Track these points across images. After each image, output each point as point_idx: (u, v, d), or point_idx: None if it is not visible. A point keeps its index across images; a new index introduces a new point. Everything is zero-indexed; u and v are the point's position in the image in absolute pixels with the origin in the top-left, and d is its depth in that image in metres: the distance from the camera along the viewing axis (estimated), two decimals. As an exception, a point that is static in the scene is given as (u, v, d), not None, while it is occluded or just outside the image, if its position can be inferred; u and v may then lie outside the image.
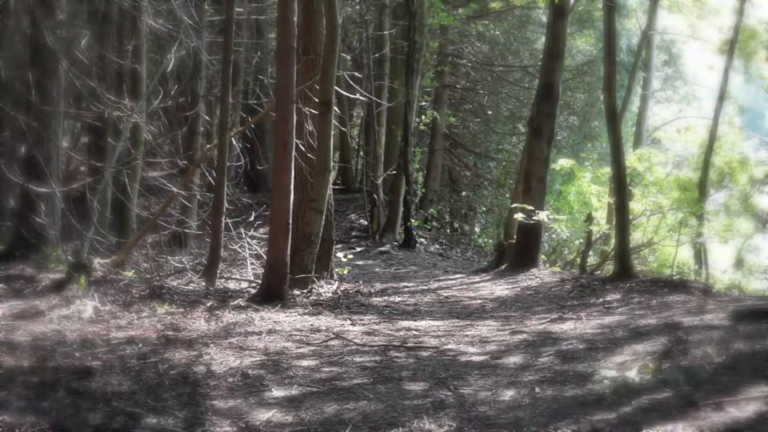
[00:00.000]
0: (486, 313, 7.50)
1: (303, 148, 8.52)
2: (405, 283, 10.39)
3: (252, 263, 9.83)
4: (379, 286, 9.76)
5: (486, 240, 20.75)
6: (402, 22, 16.41)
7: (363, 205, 17.27)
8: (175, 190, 9.49)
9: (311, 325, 6.26)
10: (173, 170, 11.41)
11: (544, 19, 16.45)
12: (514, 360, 4.92)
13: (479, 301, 8.47)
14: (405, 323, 6.61)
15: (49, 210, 7.57)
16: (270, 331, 5.79)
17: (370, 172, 16.91)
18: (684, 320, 5.51)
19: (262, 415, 3.71)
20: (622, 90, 15.72)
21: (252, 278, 8.98)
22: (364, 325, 6.48)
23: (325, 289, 8.56)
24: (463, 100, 21.37)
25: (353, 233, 16.48)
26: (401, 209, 15.59)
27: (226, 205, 8.81)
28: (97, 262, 7.54)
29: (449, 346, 5.45)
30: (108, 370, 4.32)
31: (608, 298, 7.37)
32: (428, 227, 18.13)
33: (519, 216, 10.35)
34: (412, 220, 15.19)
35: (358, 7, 18.80)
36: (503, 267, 10.98)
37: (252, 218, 10.79)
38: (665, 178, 12.83)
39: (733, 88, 18.66)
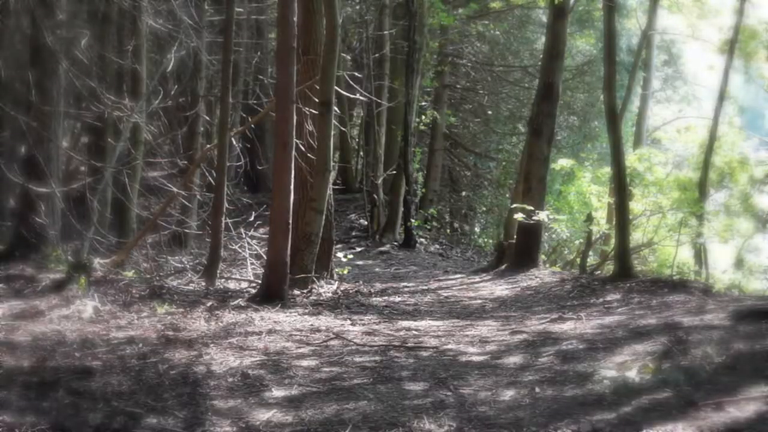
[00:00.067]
0: (486, 313, 7.50)
1: (303, 148, 8.52)
2: (405, 283, 10.39)
3: (252, 263, 9.83)
4: (379, 286, 9.76)
5: (486, 240, 20.75)
6: (402, 22, 16.41)
7: (363, 205, 17.27)
8: (175, 190, 9.49)
9: (311, 325, 6.26)
10: (173, 170, 11.41)
11: (544, 19, 16.46)
12: (514, 360, 4.92)
13: (479, 301, 8.47)
14: (405, 323, 6.61)
15: (49, 210, 7.58)
16: (270, 331, 5.79)
17: (370, 172, 16.91)
18: (684, 320, 5.51)
19: (262, 415, 3.71)
20: (622, 90, 15.72)
21: (252, 278, 8.98)
22: (364, 325, 6.48)
23: (325, 289, 8.56)
24: (463, 100, 21.37)
25: (353, 233, 16.48)
26: (401, 209, 15.59)
27: (226, 205, 8.81)
28: (97, 262, 7.54)
29: (449, 346, 5.45)
30: (108, 370, 4.32)
31: (608, 298, 7.37)
32: (428, 227, 18.13)
33: (519, 216, 10.35)
34: (412, 220, 15.19)
35: (358, 7, 18.80)
36: (503, 267, 10.98)
37: (252, 218, 10.79)
38: (665, 178, 12.83)
39: (733, 88, 18.66)
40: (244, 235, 10.10)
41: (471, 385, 4.26)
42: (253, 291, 7.68)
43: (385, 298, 8.64)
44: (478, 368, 4.70)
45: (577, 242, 13.78)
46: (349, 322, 6.61)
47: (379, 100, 15.05)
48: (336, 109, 9.20)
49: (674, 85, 24.17)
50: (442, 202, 20.81)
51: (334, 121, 8.84)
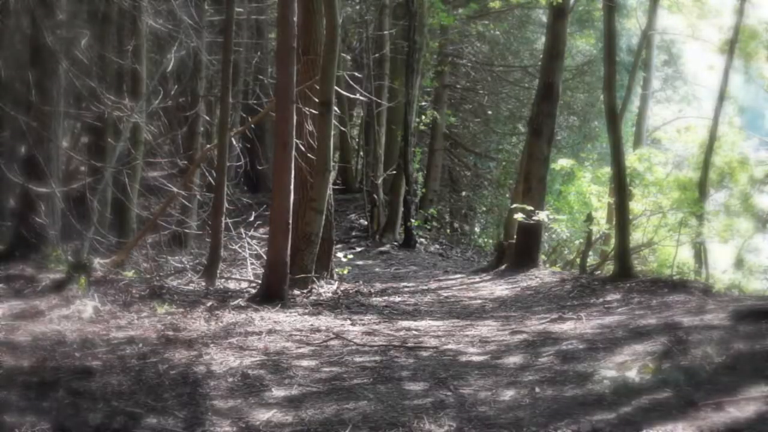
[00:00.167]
0: (486, 313, 7.50)
1: (303, 148, 8.52)
2: (405, 283, 10.39)
3: (252, 263, 9.83)
4: (379, 286, 9.76)
5: (486, 240, 20.75)
6: (402, 22, 16.41)
7: (363, 205, 17.27)
8: (175, 190, 9.49)
9: (311, 325, 6.26)
10: (173, 170, 11.41)
11: (544, 19, 16.44)
12: (514, 360, 4.92)
13: (479, 301, 8.47)
14: (405, 323, 6.61)
15: (49, 210, 7.58)
16: (270, 331, 5.79)
17: (370, 172, 16.91)
18: (684, 320, 5.51)
19: (262, 415, 3.71)
20: (622, 90, 15.71)
21: (252, 278, 8.98)
22: (364, 325, 6.48)
23: (325, 289, 8.56)
24: (463, 100, 21.37)
25: (353, 233, 16.48)
26: (401, 209, 15.59)
27: (226, 205, 8.81)
28: (97, 262, 7.54)
29: (449, 346, 5.45)
30: (108, 370, 4.32)
31: (608, 298, 7.37)
32: (428, 227, 18.13)
33: (519, 216, 10.35)
34: (412, 220, 15.19)
35: (358, 7, 18.80)
36: (503, 267, 10.98)
37: (252, 218, 10.79)
38: (665, 178, 12.83)
39: (733, 88, 18.66)
40: (244, 235, 10.10)
41: (471, 385, 4.26)
42: (253, 291, 7.68)
43: (385, 298, 8.64)
44: (478, 368, 4.70)
45: (577, 242, 13.78)
46: (349, 322, 6.61)
47: (379, 100, 15.05)
48: (336, 109, 9.20)
49: (674, 85, 24.17)
50: (442, 202, 20.82)
51: (334, 121, 8.84)
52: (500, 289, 9.34)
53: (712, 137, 15.80)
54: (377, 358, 5.03)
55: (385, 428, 3.51)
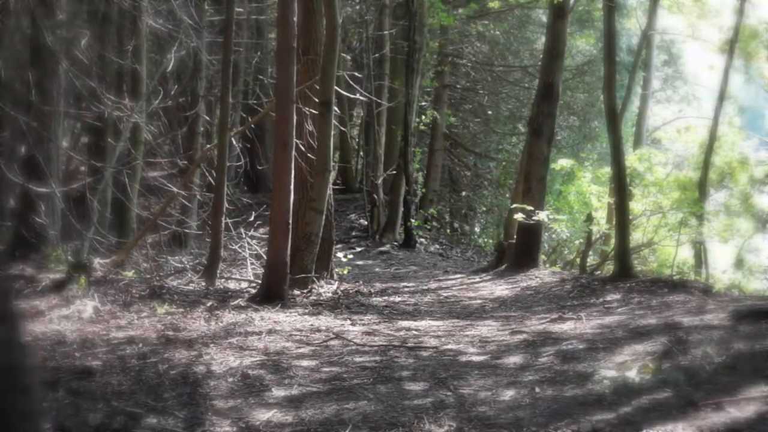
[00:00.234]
0: (486, 313, 7.50)
1: (303, 148, 8.52)
2: (405, 283, 10.38)
3: (252, 263, 9.83)
4: (379, 286, 9.76)
5: (486, 240, 20.76)
6: (402, 22, 16.41)
7: (363, 205, 17.27)
8: (175, 190, 9.49)
9: (311, 325, 6.26)
10: (173, 170, 11.41)
11: (544, 19, 16.46)
12: (514, 360, 4.92)
13: (479, 301, 8.47)
14: (405, 323, 6.61)
15: (49, 210, 7.58)
16: (270, 331, 5.79)
17: (370, 172, 16.91)
18: (684, 320, 5.51)
19: (262, 415, 3.71)
20: (622, 90, 15.72)
21: (252, 278, 8.98)
22: (364, 325, 6.48)
23: (325, 289, 8.56)
24: (463, 100, 21.37)
25: (353, 233, 16.48)
26: (401, 209, 15.59)
27: (226, 205, 8.81)
28: (97, 262, 7.53)
29: (449, 346, 5.45)
30: (108, 370, 4.31)
31: (608, 298, 7.37)
32: (428, 227, 18.13)
33: (519, 216, 10.34)
34: (412, 220, 15.19)
35: (358, 7, 18.80)
36: (503, 267, 10.98)
37: (252, 218, 10.79)
38: (665, 178, 12.83)
39: (733, 88, 18.67)
40: (244, 235, 10.11)
41: (471, 385, 4.26)
42: (253, 291, 7.67)
43: (385, 298, 8.64)
44: (478, 368, 4.70)
45: (577, 242, 13.77)
46: (349, 322, 6.61)
47: (379, 100, 15.05)
48: (336, 109, 9.20)
49: (674, 85, 24.18)
50: (442, 202, 20.82)
51: (334, 121, 8.84)
52: (500, 289, 9.34)
53: (712, 137, 15.81)
54: (377, 358, 5.03)
55: (385, 428, 3.51)
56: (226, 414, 3.72)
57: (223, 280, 8.84)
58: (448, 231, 20.61)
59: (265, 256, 8.48)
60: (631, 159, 11.66)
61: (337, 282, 9.24)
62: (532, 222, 10.29)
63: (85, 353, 4.66)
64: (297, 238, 8.13)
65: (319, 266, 8.80)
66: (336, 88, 8.76)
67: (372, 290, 9.19)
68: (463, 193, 21.76)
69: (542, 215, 10.34)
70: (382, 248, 14.81)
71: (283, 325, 6.18)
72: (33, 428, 1.17)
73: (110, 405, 3.72)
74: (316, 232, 8.39)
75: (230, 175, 12.08)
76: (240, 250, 10.16)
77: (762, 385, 3.69)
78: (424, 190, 17.84)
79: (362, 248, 14.84)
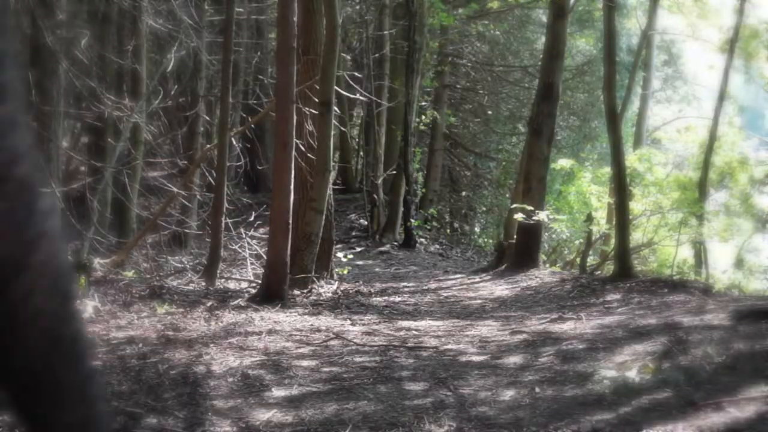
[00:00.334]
0: (486, 313, 7.50)
1: (303, 148, 8.52)
2: (405, 283, 10.39)
3: (252, 263, 9.83)
4: (379, 286, 9.76)
5: (486, 240, 20.77)
6: (402, 22, 16.42)
7: (363, 205, 17.27)
8: (175, 190, 9.49)
9: (311, 325, 6.26)
10: (173, 170, 11.42)
11: (544, 19, 16.46)
12: (514, 360, 4.92)
13: (479, 301, 8.47)
14: (405, 323, 6.61)
15: (49, 210, 7.56)
16: (270, 331, 5.79)
17: (370, 172, 16.92)
18: (684, 320, 5.51)
19: (262, 415, 3.71)
20: (622, 90, 15.73)
21: (252, 278, 8.98)
22: (364, 325, 6.48)
23: (325, 289, 8.56)
24: (463, 100, 21.38)
25: (353, 233, 16.49)
26: (401, 209, 15.59)
27: (226, 205, 8.81)
28: (97, 262, 7.54)
29: (449, 346, 5.45)
30: (108, 370, 4.31)
31: (608, 298, 7.37)
32: (428, 227, 18.14)
33: (519, 216, 10.34)
34: (412, 220, 15.19)
35: (358, 7, 18.81)
36: (503, 267, 10.98)
37: (252, 218, 10.79)
38: (665, 178, 12.84)
39: (733, 88, 18.69)
40: (244, 235, 10.11)
41: (471, 385, 4.26)
42: (253, 291, 7.68)
43: (385, 298, 8.64)
44: (478, 368, 4.70)
45: (577, 242, 13.78)
46: (349, 322, 6.61)
47: (379, 100, 15.06)
48: (336, 109, 9.21)
49: (674, 85, 24.20)
50: (442, 202, 20.83)
51: (334, 121, 8.84)
52: (500, 289, 9.34)
53: (712, 137, 15.82)
54: (377, 358, 5.03)
55: (385, 428, 3.51)
56: (226, 414, 3.72)
57: (223, 280, 8.84)
58: (448, 231, 20.62)
59: (265, 256, 8.48)
60: (631, 159, 11.67)
61: (337, 282, 9.24)
62: (532, 222, 10.29)
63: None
64: (297, 238, 8.14)
65: (319, 266, 8.80)
66: (336, 88, 8.76)
67: (372, 290, 9.20)
68: (463, 193, 21.77)
69: (542, 215, 10.34)
70: (382, 248, 14.81)
71: (283, 325, 6.18)
72: (91, 400, 1.20)
73: (110, 405, 3.72)
74: (316, 232, 8.39)
75: (230, 175, 12.08)
76: (240, 250, 10.16)
77: (762, 385, 3.69)
78: (424, 190, 17.85)
79: (362, 248, 14.84)
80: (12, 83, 1.09)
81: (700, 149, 17.08)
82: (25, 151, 1.06)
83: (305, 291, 8.02)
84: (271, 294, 7.18)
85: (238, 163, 11.04)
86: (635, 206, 11.26)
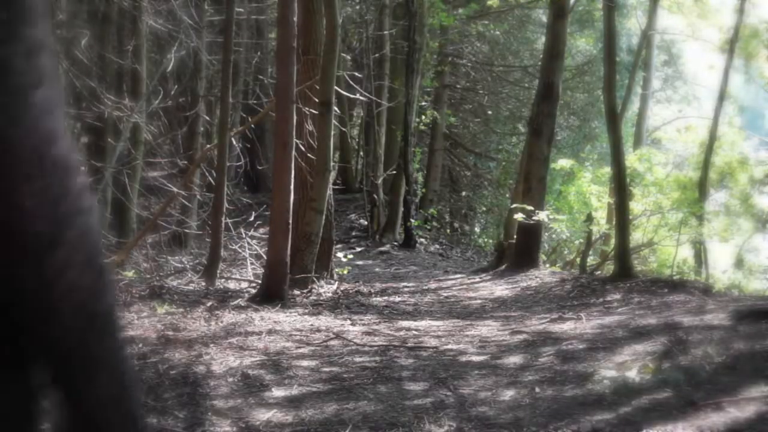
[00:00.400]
0: (486, 313, 7.50)
1: (303, 148, 8.52)
2: (405, 283, 10.39)
3: (252, 263, 9.83)
4: (379, 286, 9.76)
5: (486, 240, 20.77)
6: (402, 22, 16.42)
7: (363, 205, 17.28)
8: (175, 190, 9.49)
9: (311, 325, 6.26)
10: (173, 170, 11.42)
11: (544, 19, 16.47)
12: (514, 360, 4.92)
13: (479, 301, 8.47)
14: (405, 323, 6.61)
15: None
16: (270, 331, 5.79)
17: (370, 172, 16.92)
18: (684, 320, 5.51)
19: (262, 415, 3.71)
20: (622, 90, 15.73)
21: (252, 278, 8.98)
22: (364, 325, 6.48)
23: (325, 289, 8.56)
24: (463, 100, 21.39)
25: (353, 233, 16.49)
26: (401, 209, 15.60)
27: (226, 205, 8.81)
28: (97, 262, 7.53)
29: (449, 346, 5.45)
30: (108, 370, 4.31)
31: (608, 298, 7.37)
32: (428, 227, 18.14)
33: (519, 216, 10.34)
34: (412, 220, 15.19)
35: (358, 7, 18.81)
36: (503, 267, 10.99)
37: (252, 218, 10.79)
38: (665, 178, 12.83)
39: (733, 88, 18.70)
40: (244, 235, 10.11)
41: (471, 385, 4.26)
42: (253, 291, 7.68)
43: (385, 298, 8.64)
44: (478, 368, 4.70)
45: (577, 242, 13.78)
46: (349, 322, 6.61)
47: (379, 100, 15.06)
48: (336, 109, 9.21)
49: (674, 85, 24.21)
50: (442, 202, 20.83)
51: (334, 121, 8.84)
52: (500, 289, 9.34)
53: (712, 137, 15.82)
54: (377, 358, 5.03)
55: (385, 428, 3.50)
56: (226, 414, 3.72)
57: (223, 280, 8.84)
58: (448, 231, 20.62)
59: (265, 256, 8.48)
60: (631, 159, 11.67)
61: (337, 282, 9.24)
62: (532, 222, 10.29)
63: (85, 353, 4.65)
64: (297, 238, 8.14)
65: (319, 266, 8.81)
66: (336, 88, 8.76)
67: (372, 290, 9.20)
68: (463, 193, 21.77)
69: (542, 215, 10.34)
70: (382, 248, 14.82)
71: (283, 325, 6.18)
72: (122, 374, 1.22)
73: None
74: (316, 232, 8.40)
75: (230, 175, 12.09)
76: (240, 250, 10.16)
77: (762, 385, 3.69)
78: (424, 190, 17.85)
79: (362, 248, 14.85)
80: (49, 69, 1.11)
81: (700, 149, 17.08)
82: (61, 132, 1.09)
83: (305, 291, 8.02)
84: (271, 294, 7.18)
85: (238, 163, 11.04)
86: (635, 206, 11.27)
